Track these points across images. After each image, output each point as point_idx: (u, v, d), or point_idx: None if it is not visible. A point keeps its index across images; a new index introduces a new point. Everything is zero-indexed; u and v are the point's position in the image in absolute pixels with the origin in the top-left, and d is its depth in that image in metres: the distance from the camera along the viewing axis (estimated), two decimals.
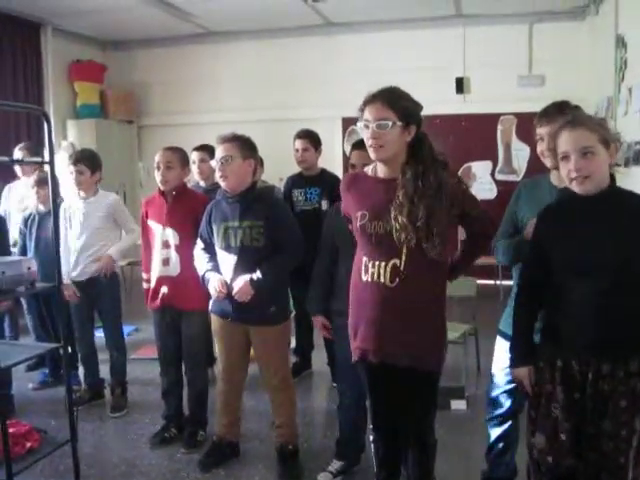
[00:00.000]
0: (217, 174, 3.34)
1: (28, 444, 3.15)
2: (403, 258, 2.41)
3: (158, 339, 3.91)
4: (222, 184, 3.36)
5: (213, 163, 3.38)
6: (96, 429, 4.16)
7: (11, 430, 2.89)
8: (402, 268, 2.41)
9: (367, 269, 2.48)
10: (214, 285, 3.32)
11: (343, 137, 8.47)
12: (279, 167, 5.53)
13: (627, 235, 2.22)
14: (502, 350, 2.82)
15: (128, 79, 9.23)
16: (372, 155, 2.45)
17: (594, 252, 2.23)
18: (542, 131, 2.67)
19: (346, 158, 6.43)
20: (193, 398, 3.89)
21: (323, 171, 4.85)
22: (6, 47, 7.60)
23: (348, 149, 4.34)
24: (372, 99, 2.44)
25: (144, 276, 3.96)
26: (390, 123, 2.38)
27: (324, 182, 4.70)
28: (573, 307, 2.28)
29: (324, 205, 4.61)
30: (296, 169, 4.90)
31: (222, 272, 3.38)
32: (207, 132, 7.62)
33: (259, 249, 3.30)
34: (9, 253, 4.31)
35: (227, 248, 3.35)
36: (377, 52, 8.22)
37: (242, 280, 3.26)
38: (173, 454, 3.78)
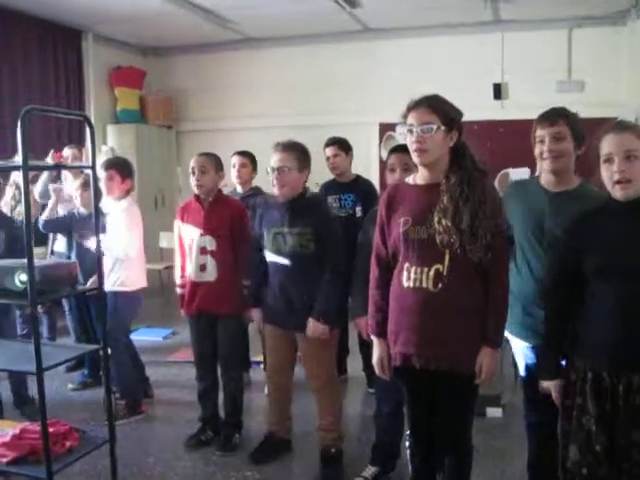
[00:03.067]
0: (272, 182, 3.41)
1: (68, 443, 3.15)
2: (446, 263, 2.41)
3: (194, 344, 3.96)
4: (276, 191, 3.44)
5: (268, 170, 3.44)
6: (134, 430, 4.21)
7: (51, 429, 2.92)
8: (445, 273, 2.41)
9: (409, 275, 2.48)
10: (255, 321, 3.64)
11: (380, 143, 8.46)
12: (316, 173, 5.53)
13: None
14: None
15: (167, 85, 9.35)
16: (416, 160, 2.47)
17: (625, 257, 2.22)
18: (543, 133, 2.68)
19: (383, 164, 6.43)
20: (228, 402, 3.92)
21: (357, 177, 4.87)
22: (49, 53, 7.75)
23: (385, 155, 4.36)
24: (416, 104, 2.47)
25: (178, 281, 4.00)
26: (434, 127, 2.40)
27: (358, 188, 4.71)
28: (602, 315, 2.26)
29: (358, 212, 4.62)
30: (332, 176, 4.92)
31: (274, 275, 3.49)
32: (245, 137, 7.74)
33: (309, 255, 3.39)
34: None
35: (277, 252, 3.44)
36: (414, 58, 8.19)
37: (311, 323, 3.38)
38: (209, 457, 3.81)
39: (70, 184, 5.20)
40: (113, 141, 8.51)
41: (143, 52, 9.38)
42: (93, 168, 2.81)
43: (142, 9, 7.23)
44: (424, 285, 2.44)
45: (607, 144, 2.24)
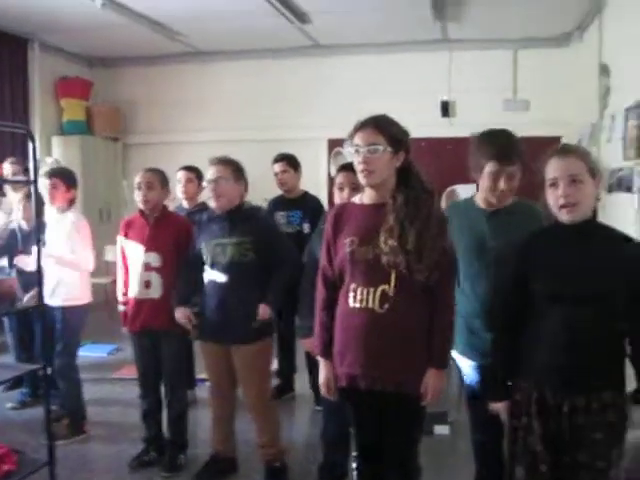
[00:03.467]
0: (209, 193, 3.44)
1: (5, 467, 3.08)
2: (392, 284, 2.41)
3: (137, 362, 3.88)
4: (213, 204, 3.47)
5: (204, 184, 3.46)
6: (75, 450, 4.10)
7: None
8: (391, 294, 2.41)
9: (356, 295, 2.47)
10: (178, 317, 3.52)
11: (328, 159, 8.49)
12: (263, 188, 5.53)
13: (607, 268, 2.23)
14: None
15: (114, 96, 9.20)
16: (362, 181, 2.48)
17: (575, 281, 2.24)
18: (498, 170, 2.70)
19: (331, 180, 6.45)
20: (173, 421, 3.85)
21: (305, 194, 4.88)
22: None
23: (334, 171, 4.41)
24: (363, 125, 2.47)
25: (121, 298, 3.93)
26: (381, 148, 2.41)
27: (306, 205, 4.72)
28: (548, 336, 2.28)
29: (306, 228, 4.62)
30: (280, 191, 4.91)
31: (210, 292, 3.47)
32: (193, 151, 7.67)
33: (247, 264, 3.40)
34: None
35: (217, 266, 3.43)
36: (363, 74, 8.27)
37: (261, 308, 3.40)
38: (153, 478, 3.73)
39: (10, 197, 5.08)
40: (58, 153, 8.34)
41: (90, 62, 9.24)
42: (35, 183, 2.74)
43: (89, 19, 7.11)
44: (370, 305, 2.44)
45: (552, 168, 2.27)
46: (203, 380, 4.89)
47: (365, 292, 2.45)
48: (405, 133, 2.51)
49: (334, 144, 8.33)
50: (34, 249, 4.01)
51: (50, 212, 4.29)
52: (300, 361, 4.90)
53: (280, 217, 4.69)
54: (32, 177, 2.76)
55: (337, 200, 3.16)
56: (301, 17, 7.13)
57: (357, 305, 2.47)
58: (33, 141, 2.76)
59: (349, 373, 2.52)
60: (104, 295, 7.77)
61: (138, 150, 9.12)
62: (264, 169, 5.36)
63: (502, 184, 2.70)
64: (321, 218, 3.89)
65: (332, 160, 8.35)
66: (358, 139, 2.46)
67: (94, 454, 4.14)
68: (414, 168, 2.52)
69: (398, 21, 7.31)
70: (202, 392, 4.87)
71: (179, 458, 3.84)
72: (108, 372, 5.59)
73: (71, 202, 4.30)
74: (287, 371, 5.04)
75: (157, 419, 3.91)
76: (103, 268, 7.72)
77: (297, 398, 5.02)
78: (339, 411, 3.15)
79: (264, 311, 3.41)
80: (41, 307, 2.95)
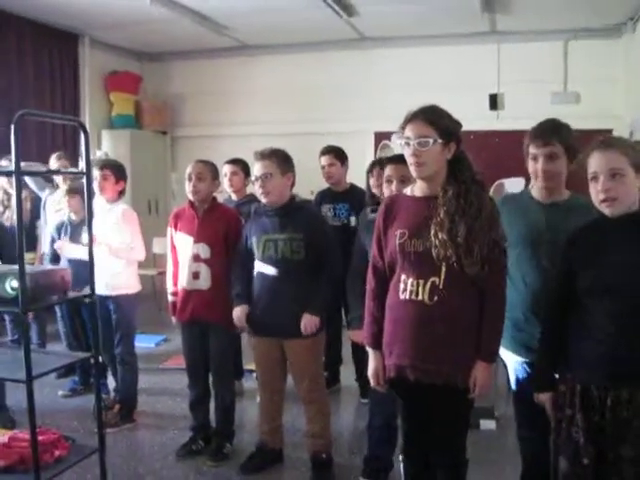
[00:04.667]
0: (257, 190, 3.43)
1: (57, 452, 3.12)
2: (442, 276, 2.40)
3: (186, 352, 3.92)
4: (263, 200, 3.46)
5: (252, 179, 3.46)
6: (124, 438, 4.18)
7: (41, 438, 2.89)
8: (441, 286, 2.40)
9: (406, 287, 2.46)
10: (237, 317, 3.54)
11: (375, 152, 8.45)
12: (310, 181, 5.54)
13: None
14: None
15: (163, 90, 9.32)
16: (414, 173, 2.46)
17: (621, 274, 2.22)
18: (537, 152, 2.67)
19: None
20: (220, 411, 3.89)
21: (352, 187, 4.86)
22: (44, 58, 7.72)
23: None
24: (413, 117, 2.45)
25: (171, 289, 3.97)
26: (431, 140, 2.39)
27: (353, 198, 4.69)
28: (594, 329, 2.27)
29: (352, 221, 4.61)
30: (326, 184, 4.91)
31: (261, 285, 3.48)
32: (240, 144, 7.69)
33: (299, 261, 3.41)
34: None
35: (268, 260, 3.44)
36: (411, 67, 8.20)
37: (305, 319, 3.40)
38: (199, 467, 3.78)
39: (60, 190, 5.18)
40: (107, 146, 8.48)
41: (139, 57, 9.36)
42: (88, 175, 2.78)
43: (139, 14, 7.21)
44: (420, 297, 2.43)
45: (593, 162, 2.25)
46: (250, 371, 4.94)
47: (415, 284, 2.44)
48: (457, 124, 2.49)
49: (381, 137, 8.30)
50: (84, 239, 4.12)
51: (99, 203, 4.37)
52: (346, 353, 4.90)
53: (327, 210, 4.69)
54: (85, 169, 2.80)
55: (386, 193, 3.15)
56: (348, 9, 7.11)
57: (407, 297, 2.46)
58: (86, 133, 2.80)
59: (398, 364, 2.51)
60: (152, 287, 7.88)
61: (185, 143, 9.22)
62: (310, 162, 5.37)
63: (541, 164, 2.65)
64: (363, 210, 3.93)
65: (379, 153, 8.31)
66: (409, 131, 2.44)
67: (142, 442, 4.20)
68: (465, 160, 2.49)
69: (445, 13, 7.23)
70: (249, 383, 4.93)
71: (225, 447, 3.87)
72: (156, 362, 5.67)
73: (120, 194, 4.37)
74: (333, 363, 5.04)
75: (205, 409, 3.96)
76: (151, 260, 7.83)
77: (343, 390, 5.02)
78: (386, 404, 3.17)
79: (308, 323, 3.41)
80: (92, 296, 2.99)
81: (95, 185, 4.25)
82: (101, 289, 4.02)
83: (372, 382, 2.66)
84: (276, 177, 3.39)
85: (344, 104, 8.43)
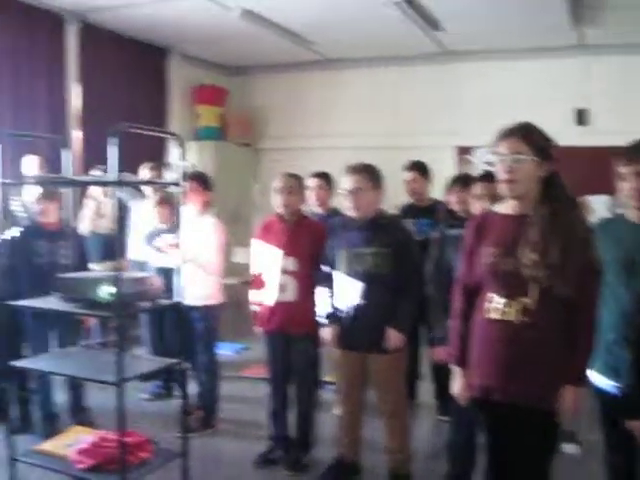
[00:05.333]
0: (347, 204, 3.46)
1: (142, 454, 3.23)
2: (532, 297, 2.36)
3: (269, 361, 3.98)
4: (352, 214, 3.49)
5: (340, 191, 3.51)
6: (204, 444, 4.25)
7: (127, 440, 2.99)
8: (530, 307, 2.36)
9: (494, 306, 2.43)
10: (329, 337, 3.59)
11: (456, 166, 8.38)
12: (394, 195, 5.54)
13: None
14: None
15: (248, 103, 9.50)
16: (505, 191, 2.43)
17: None
18: (626, 170, 2.59)
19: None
20: (300, 421, 3.93)
21: (435, 202, 4.83)
22: (135, 71, 7.99)
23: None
24: (508, 133, 2.43)
25: (254, 299, 4.03)
26: (525, 158, 2.36)
27: (436, 213, 4.67)
28: None
29: (432, 236, 4.57)
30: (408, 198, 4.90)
31: (345, 298, 3.50)
32: (322, 157, 7.80)
33: (384, 276, 3.43)
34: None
35: (353, 274, 3.45)
36: (494, 81, 8.11)
37: (391, 334, 3.44)
38: (277, 476, 3.83)
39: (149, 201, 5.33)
40: (193, 157, 8.68)
41: (225, 71, 9.56)
42: (181, 185, 2.88)
43: (226, 29, 7.39)
44: (508, 318, 2.39)
45: None
46: (328, 383, 4.96)
47: (503, 304, 2.40)
48: (550, 142, 2.45)
49: (461, 152, 8.23)
50: (173, 249, 4.23)
51: (188, 214, 4.48)
52: (423, 369, 4.87)
53: (409, 225, 4.67)
54: (180, 180, 2.90)
55: (473, 210, 3.13)
56: (433, 24, 7.09)
57: (495, 316, 2.43)
58: (182, 146, 2.90)
59: (483, 384, 2.48)
60: (233, 296, 8.00)
61: (269, 155, 9.36)
62: (392, 176, 5.38)
63: (636, 183, 2.56)
64: (438, 227, 3.99)
65: (460, 168, 8.23)
66: (502, 148, 2.41)
67: (221, 449, 4.26)
68: (559, 178, 2.45)
69: (532, 27, 7.12)
70: (326, 395, 4.94)
71: (304, 458, 3.91)
72: (236, 370, 5.76)
73: (207, 205, 4.46)
74: (411, 379, 5.00)
75: (284, 419, 4.00)
76: (232, 269, 7.97)
77: (420, 407, 4.98)
78: (467, 422, 3.13)
79: (394, 339, 3.44)
80: (178, 305, 3.09)
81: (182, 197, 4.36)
82: (187, 299, 4.13)
83: (458, 399, 2.63)
84: (366, 192, 3.42)
85: (425, 118, 8.40)
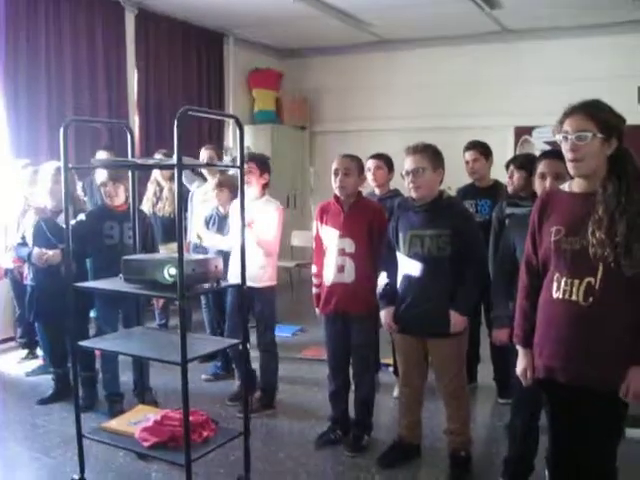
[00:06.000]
0: (407, 184, 3.43)
1: (205, 433, 3.28)
2: (599, 276, 2.30)
3: (328, 343, 3.98)
4: (413, 194, 3.45)
5: (402, 174, 3.46)
6: (264, 424, 4.30)
7: (191, 418, 3.04)
8: (597, 287, 2.30)
9: (559, 286, 2.38)
10: (384, 320, 3.59)
11: (515, 146, 8.24)
12: (449, 176, 5.47)
13: None
14: None
15: (302, 86, 9.51)
16: (571, 171, 2.37)
17: None
18: None
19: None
20: (359, 402, 3.93)
21: (496, 183, 4.76)
22: (192, 56, 8.10)
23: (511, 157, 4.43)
24: (573, 110, 2.36)
25: (315, 280, 4.04)
26: (590, 135, 2.29)
27: (496, 194, 4.60)
28: None
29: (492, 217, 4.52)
30: (466, 179, 4.84)
31: (407, 281, 3.48)
32: (378, 139, 7.77)
33: (445, 258, 3.39)
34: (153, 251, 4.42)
35: (414, 256, 3.43)
36: (553, 60, 7.95)
37: (455, 318, 3.39)
38: (338, 456, 3.83)
39: (208, 185, 5.39)
40: (249, 141, 8.76)
41: (280, 54, 9.60)
42: (241, 167, 2.90)
43: (282, 12, 7.41)
44: (574, 298, 2.34)
45: None
46: (387, 365, 4.97)
47: (569, 283, 2.35)
48: (619, 119, 2.37)
49: (522, 132, 8.10)
50: (233, 232, 4.28)
51: (247, 197, 4.49)
52: (482, 352, 4.83)
53: (469, 206, 4.61)
54: (240, 162, 2.92)
55: (537, 189, 3.07)
56: (491, 2, 6.97)
57: (560, 296, 2.38)
58: (241, 129, 2.92)
59: (548, 365, 2.44)
60: (289, 278, 8.08)
61: (324, 138, 9.38)
62: (450, 157, 5.33)
63: None
64: (498, 205, 3.95)
65: (519, 148, 8.11)
66: (567, 125, 2.35)
67: (282, 429, 4.30)
68: (629, 156, 2.37)
69: (593, 2, 6.93)
70: (385, 377, 4.95)
71: (363, 439, 3.91)
72: (293, 352, 5.79)
73: (264, 187, 4.46)
74: (470, 361, 4.96)
75: (344, 400, 4.01)
76: (289, 252, 8.03)
77: (479, 389, 4.93)
78: (529, 404, 3.10)
79: (458, 322, 3.40)
80: (242, 286, 3.12)
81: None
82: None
83: (521, 379, 2.60)
84: (427, 172, 3.38)
85: (484, 98, 8.29)
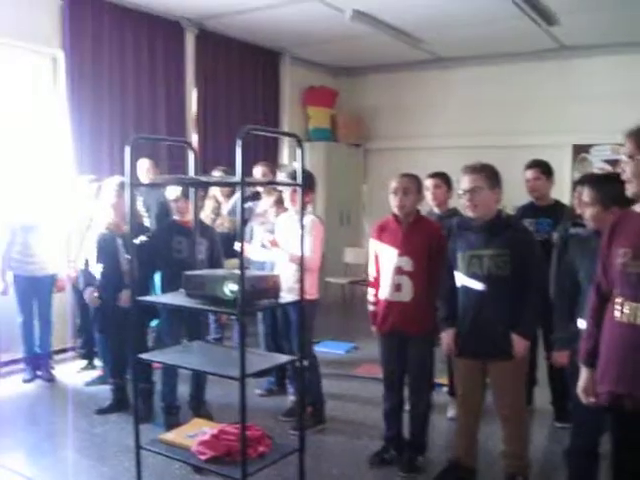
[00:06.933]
0: (464, 203, 3.42)
1: (260, 448, 3.30)
2: None
3: (384, 362, 3.96)
4: (470, 213, 3.45)
5: (459, 192, 3.45)
6: (316, 440, 4.29)
7: (247, 433, 3.06)
8: None
9: (622, 309, 2.35)
10: (445, 342, 3.56)
11: (572, 165, 8.12)
12: (507, 194, 5.42)
13: None
14: None
15: (357, 104, 9.56)
16: (628, 191, 2.34)
17: None
18: None
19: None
20: (415, 422, 3.90)
21: (556, 202, 4.70)
22: (249, 75, 8.23)
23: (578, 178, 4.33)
24: (632, 133, 2.33)
25: (371, 299, 4.04)
26: None
27: (556, 213, 4.54)
28: None
29: (555, 237, 4.45)
30: (524, 197, 4.79)
31: (466, 302, 3.47)
32: (433, 157, 7.75)
33: (505, 278, 3.35)
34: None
35: (473, 276, 3.41)
36: (612, 76, 7.82)
37: (517, 342, 3.36)
38: (392, 477, 3.80)
39: (264, 201, 5.44)
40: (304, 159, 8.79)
41: (334, 72, 9.67)
42: (303, 185, 2.93)
43: (337, 31, 7.48)
44: (638, 321, 2.30)
45: None
46: (441, 385, 4.92)
47: (633, 307, 2.31)
48: None
49: (579, 150, 7.97)
50: (286, 247, 4.31)
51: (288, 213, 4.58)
52: (539, 375, 4.75)
53: (528, 225, 4.55)
54: (300, 180, 2.95)
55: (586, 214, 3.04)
56: (548, 18, 6.90)
57: (623, 320, 2.34)
58: (301, 147, 2.95)
59: (613, 391, 2.39)
60: (342, 295, 8.08)
61: (378, 155, 9.40)
62: (507, 175, 5.29)
63: None
64: (561, 225, 3.93)
65: (577, 166, 7.98)
66: (632, 145, 2.32)
67: (335, 446, 4.29)
68: None
69: None
70: (439, 397, 4.90)
71: (418, 460, 3.87)
72: (346, 369, 5.79)
73: (307, 203, 4.49)
74: (527, 384, 4.88)
75: (399, 419, 3.98)
76: (342, 269, 8.05)
77: (535, 412, 4.84)
78: (590, 428, 3.03)
79: (520, 346, 3.37)
80: (300, 302, 3.15)
81: (285, 198, 4.49)
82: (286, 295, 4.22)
83: (582, 398, 2.56)
84: (484, 191, 3.36)
85: (541, 116, 8.21)
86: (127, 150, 2.97)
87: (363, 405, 4.92)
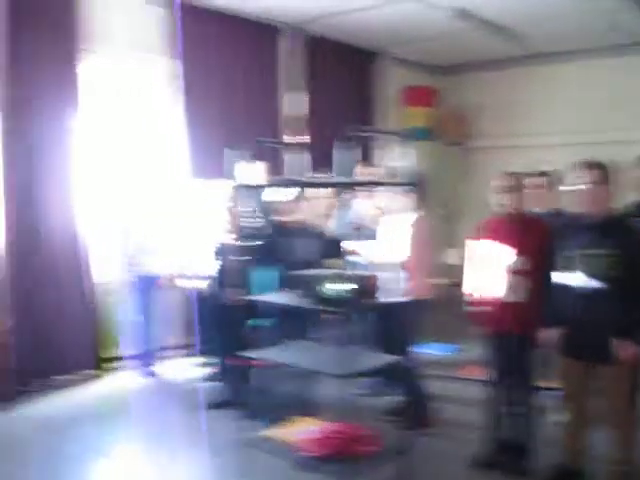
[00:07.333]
0: (578, 201, 3.39)
1: (369, 448, 3.32)
2: None
3: (491, 363, 3.92)
4: (583, 212, 3.39)
5: (572, 188, 3.39)
6: (420, 442, 4.20)
7: (357, 432, 3.09)
8: None
9: None
10: (551, 342, 3.52)
11: None
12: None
13: None
14: None
15: (457, 102, 9.44)
16: None
17: None
18: None
19: None
20: (520, 425, 3.84)
21: None
22: (345, 76, 8.26)
23: None
24: None
25: (475, 299, 3.99)
26: None
27: None
28: None
29: None
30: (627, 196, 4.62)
31: (574, 303, 3.38)
32: (535, 155, 7.55)
33: (614, 280, 3.27)
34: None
35: (583, 276, 3.34)
36: None
37: (626, 347, 3.27)
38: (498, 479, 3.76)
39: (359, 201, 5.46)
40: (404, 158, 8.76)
41: (431, 71, 9.59)
42: (414, 185, 2.95)
43: (436, 29, 7.44)
44: None
45: None
46: (545, 388, 4.80)
47: None
48: None
49: None
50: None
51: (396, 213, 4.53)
52: None
53: (636, 223, 4.40)
54: (415, 181, 2.98)
55: None
56: None
57: None
58: (409, 146, 2.98)
59: None
60: (445, 296, 7.98)
61: (480, 154, 9.24)
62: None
63: None
64: None
65: None
66: None
67: (440, 448, 4.25)
68: None
69: None
70: (542, 400, 4.79)
71: (524, 463, 3.81)
72: (450, 370, 5.74)
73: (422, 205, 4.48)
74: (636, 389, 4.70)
75: (504, 422, 3.92)
76: (445, 270, 7.94)
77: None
78: None
79: (630, 351, 3.26)
80: (410, 303, 3.16)
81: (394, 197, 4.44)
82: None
83: None
84: (596, 188, 3.30)
85: None
86: (246, 154, 3.03)
87: (466, 407, 4.85)
